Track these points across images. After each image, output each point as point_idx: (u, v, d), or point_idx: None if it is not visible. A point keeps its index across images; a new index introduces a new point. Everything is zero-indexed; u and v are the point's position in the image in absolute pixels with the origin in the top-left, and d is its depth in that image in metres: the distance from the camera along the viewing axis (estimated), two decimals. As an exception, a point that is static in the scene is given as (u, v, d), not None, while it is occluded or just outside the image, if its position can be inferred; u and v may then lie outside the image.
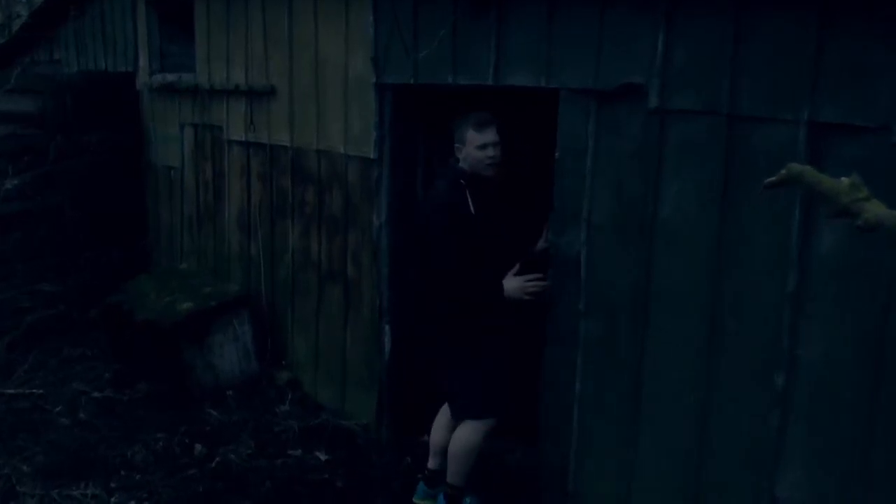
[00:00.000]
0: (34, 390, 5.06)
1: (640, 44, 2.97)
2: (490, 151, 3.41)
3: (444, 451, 3.68)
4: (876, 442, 2.49)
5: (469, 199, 3.39)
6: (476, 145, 3.40)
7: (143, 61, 6.42)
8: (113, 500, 3.88)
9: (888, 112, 2.36)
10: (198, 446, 4.40)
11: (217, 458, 4.27)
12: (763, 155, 2.67)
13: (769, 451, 2.75)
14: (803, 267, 2.61)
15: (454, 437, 3.59)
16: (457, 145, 3.49)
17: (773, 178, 1.60)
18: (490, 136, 3.41)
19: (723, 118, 2.75)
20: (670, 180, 2.96)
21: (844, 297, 2.53)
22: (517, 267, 3.50)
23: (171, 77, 6.07)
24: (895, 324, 2.42)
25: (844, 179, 1.50)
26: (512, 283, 3.43)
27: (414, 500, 3.83)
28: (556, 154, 3.34)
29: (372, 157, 4.27)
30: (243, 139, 5.31)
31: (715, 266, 2.84)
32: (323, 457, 4.29)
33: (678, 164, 2.93)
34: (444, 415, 3.74)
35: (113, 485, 4.02)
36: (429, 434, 3.81)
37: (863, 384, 2.50)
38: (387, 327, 4.39)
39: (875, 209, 1.46)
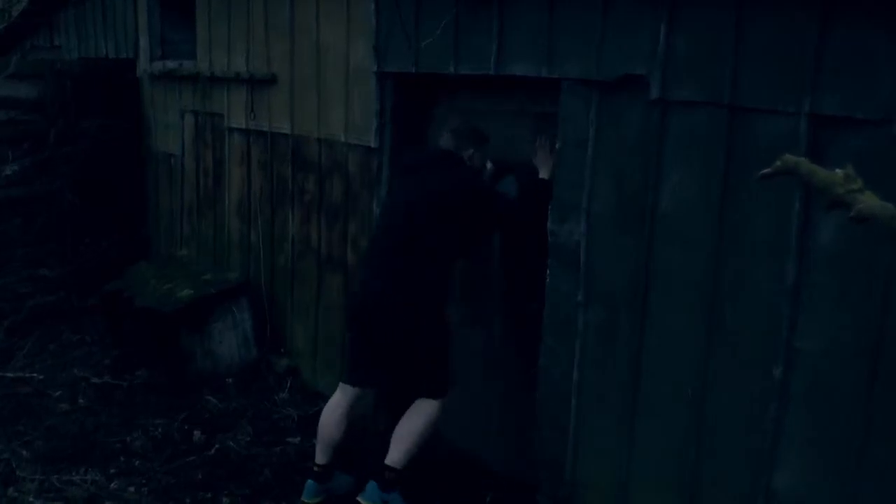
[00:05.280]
0: (34, 375, 5.08)
1: (642, 34, 2.96)
2: None
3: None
4: (873, 434, 2.50)
5: None
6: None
7: (143, 48, 6.40)
8: (112, 485, 3.90)
9: (890, 104, 2.36)
10: (197, 433, 4.42)
11: (216, 445, 4.29)
12: (764, 146, 2.66)
13: (767, 442, 2.75)
14: (803, 258, 2.61)
15: None
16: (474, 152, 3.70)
17: (768, 169, 1.60)
18: None
19: (724, 109, 2.75)
20: (671, 171, 2.95)
21: (844, 288, 2.53)
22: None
23: (171, 64, 6.06)
24: (894, 315, 2.42)
25: (839, 171, 1.50)
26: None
27: None
28: (557, 144, 3.34)
29: (373, 145, 4.26)
30: (244, 127, 5.31)
31: (714, 257, 2.84)
32: (321, 444, 4.31)
33: (679, 154, 2.92)
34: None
35: (112, 470, 4.04)
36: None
37: (861, 376, 2.51)
38: (386, 316, 4.39)
39: (868, 201, 1.47)
